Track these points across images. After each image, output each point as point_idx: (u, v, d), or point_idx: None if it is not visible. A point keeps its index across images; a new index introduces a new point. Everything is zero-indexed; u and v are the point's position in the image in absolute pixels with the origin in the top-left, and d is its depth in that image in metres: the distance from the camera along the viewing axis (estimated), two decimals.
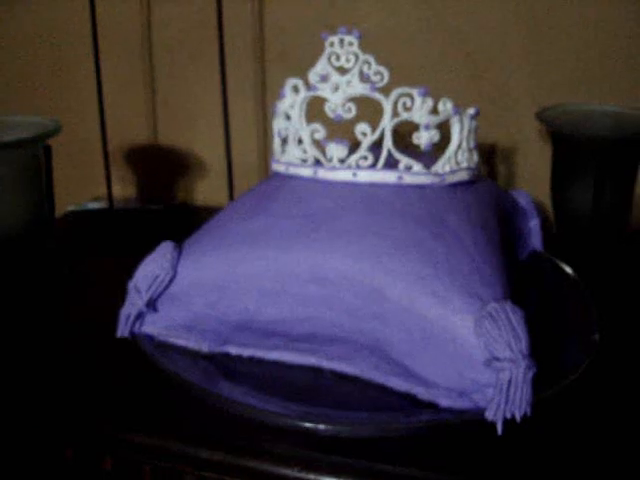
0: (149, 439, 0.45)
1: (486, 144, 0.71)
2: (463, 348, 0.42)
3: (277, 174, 0.55)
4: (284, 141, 0.55)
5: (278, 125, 0.54)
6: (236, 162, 0.73)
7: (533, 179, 0.70)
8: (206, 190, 0.82)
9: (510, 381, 0.40)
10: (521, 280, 0.52)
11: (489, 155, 0.71)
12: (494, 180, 0.73)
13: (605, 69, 0.66)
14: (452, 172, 0.51)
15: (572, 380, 0.44)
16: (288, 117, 0.53)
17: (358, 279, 0.45)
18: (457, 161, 0.51)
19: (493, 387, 0.41)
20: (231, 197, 0.72)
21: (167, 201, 0.83)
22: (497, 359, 0.41)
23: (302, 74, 0.74)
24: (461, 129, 0.51)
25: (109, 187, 0.74)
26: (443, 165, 0.51)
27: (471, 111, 0.52)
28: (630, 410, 0.46)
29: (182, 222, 0.79)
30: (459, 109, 0.50)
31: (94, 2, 0.69)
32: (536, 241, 0.61)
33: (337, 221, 0.47)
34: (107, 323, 0.51)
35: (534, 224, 0.60)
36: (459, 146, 0.51)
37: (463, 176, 0.52)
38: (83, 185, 0.83)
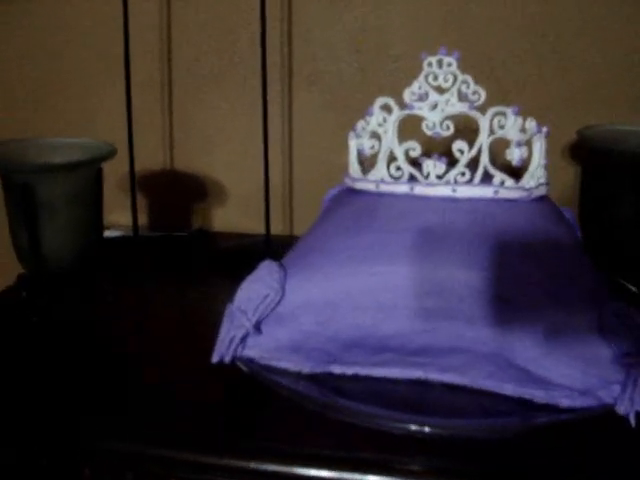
0: (271, 464, 0.44)
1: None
2: (589, 347, 0.45)
3: (356, 191, 0.56)
4: (360, 160, 0.56)
5: (361, 143, 0.55)
6: (260, 185, 0.72)
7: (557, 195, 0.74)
8: (224, 215, 0.81)
9: None
10: None
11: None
12: None
13: (631, 92, 0.72)
14: (536, 187, 0.54)
15: None
16: (376, 135, 0.54)
17: (482, 289, 0.46)
18: (537, 176, 0.54)
19: (620, 383, 0.44)
20: (267, 221, 0.71)
21: (181, 228, 0.81)
22: (628, 355, 0.44)
23: (331, 97, 0.76)
24: (541, 146, 0.54)
25: (134, 215, 0.71)
26: (528, 180, 0.54)
27: (545, 130, 0.55)
28: None
29: (204, 248, 0.77)
30: (540, 128, 0.54)
31: (128, 28, 0.67)
32: None
33: (448, 233, 0.49)
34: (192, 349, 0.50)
35: (578, 236, 0.65)
36: (539, 163, 0.54)
37: (543, 191, 0.55)
38: None
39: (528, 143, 0.53)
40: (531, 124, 0.53)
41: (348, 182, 0.57)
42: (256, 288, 0.49)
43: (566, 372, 0.45)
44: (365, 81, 0.75)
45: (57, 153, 0.59)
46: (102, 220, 0.61)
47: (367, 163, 0.57)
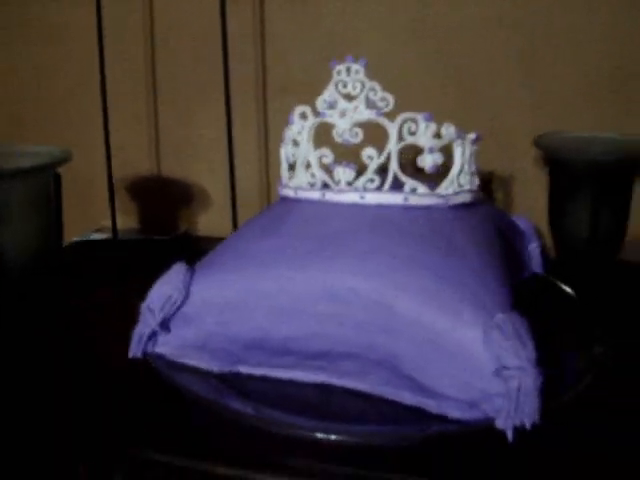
0: (166, 457, 0.45)
1: (483, 172, 0.74)
2: (472, 359, 0.43)
3: (285, 198, 0.57)
4: (291, 166, 0.57)
5: (286, 151, 0.56)
6: (239, 191, 0.75)
7: (530, 206, 0.72)
8: (209, 220, 0.84)
9: (519, 389, 0.42)
10: (523, 301, 0.53)
11: (486, 183, 0.74)
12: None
13: (596, 98, 0.69)
14: (455, 194, 0.53)
15: (580, 390, 0.46)
16: (296, 143, 0.55)
17: (369, 296, 0.46)
18: (460, 183, 0.53)
19: (502, 396, 0.43)
20: (235, 226, 0.74)
21: (170, 232, 0.84)
22: (506, 368, 0.42)
23: (304, 103, 0.77)
24: (463, 153, 0.53)
25: (113, 217, 0.76)
26: (446, 187, 0.53)
27: (472, 136, 0.54)
28: (634, 418, 0.47)
29: (185, 252, 0.80)
30: (461, 133, 0.53)
31: (102, 35, 0.71)
32: (536, 264, 0.62)
33: (347, 241, 0.49)
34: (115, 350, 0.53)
35: (533, 247, 0.62)
36: (461, 169, 0.53)
37: (465, 198, 0.54)
38: (85, 217, 0.84)
39: (449, 149, 0.53)
40: (449, 130, 0.52)
41: (278, 189, 0.58)
42: (163, 289, 0.51)
43: (451, 383, 0.45)
44: None
45: (15, 159, 0.63)
46: (62, 223, 0.65)
47: None
